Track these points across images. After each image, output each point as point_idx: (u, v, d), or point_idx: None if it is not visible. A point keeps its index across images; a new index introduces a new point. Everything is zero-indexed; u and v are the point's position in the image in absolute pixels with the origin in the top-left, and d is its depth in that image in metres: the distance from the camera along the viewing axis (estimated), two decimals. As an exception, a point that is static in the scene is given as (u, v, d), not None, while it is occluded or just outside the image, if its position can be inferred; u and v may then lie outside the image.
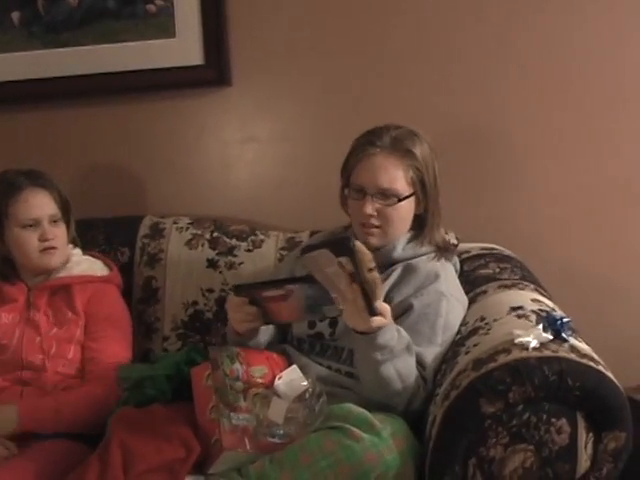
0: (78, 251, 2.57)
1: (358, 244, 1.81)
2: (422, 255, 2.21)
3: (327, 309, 1.94)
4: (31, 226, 2.39)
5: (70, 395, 2.27)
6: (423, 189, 2.17)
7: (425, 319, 2.07)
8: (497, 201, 2.80)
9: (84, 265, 2.53)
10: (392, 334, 1.92)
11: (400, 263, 2.19)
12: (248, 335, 2.14)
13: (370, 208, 2.13)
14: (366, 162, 2.15)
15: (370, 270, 1.81)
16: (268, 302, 2.00)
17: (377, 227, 2.17)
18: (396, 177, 2.13)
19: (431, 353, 2.04)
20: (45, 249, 2.40)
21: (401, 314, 2.09)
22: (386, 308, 1.89)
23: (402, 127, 2.20)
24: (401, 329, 1.99)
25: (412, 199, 2.17)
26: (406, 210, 2.18)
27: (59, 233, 2.44)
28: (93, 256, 2.61)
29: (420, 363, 2.02)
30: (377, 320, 1.85)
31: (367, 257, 1.82)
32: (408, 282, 2.14)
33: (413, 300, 2.09)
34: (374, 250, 2.18)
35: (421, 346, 2.03)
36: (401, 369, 1.94)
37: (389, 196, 2.13)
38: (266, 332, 2.22)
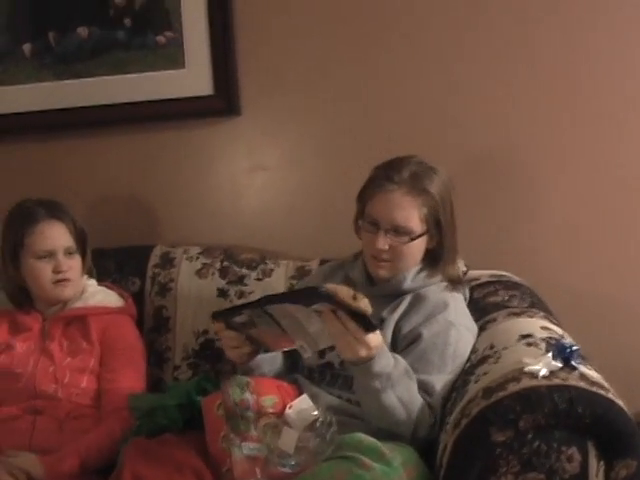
0: (93, 282, 2.59)
1: (328, 287, 1.80)
2: (432, 284, 2.21)
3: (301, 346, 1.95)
4: (46, 257, 2.41)
5: (91, 440, 2.25)
6: (438, 226, 2.17)
7: (434, 348, 2.06)
8: (506, 228, 2.81)
9: (100, 296, 2.55)
10: (388, 360, 1.92)
11: (409, 293, 2.19)
12: (244, 362, 2.13)
13: (382, 243, 2.13)
14: (383, 197, 2.15)
15: (354, 298, 1.81)
16: (244, 328, 2.00)
17: (388, 261, 2.17)
18: (411, 215, 2.13)
19: (440, 380, 2.04)
20: (58, 281, 2.42)
21: (410, 343, 2.09)
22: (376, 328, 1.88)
23: (422, 162, 2.18)
24: (397, 356, 1.99)
25: (425, 236, 2.17)
26: (418, 246, 2.18)
27: (74, 265, 2.46)
28: (108, 287, 2.63)
29: (427, 391, 2.02)
30: (373, 338, 1.84)
31: (345, 292, 1.80)
32: (417, 311, 2.14)
33: (422, 329, 2.09)
34: (384, 281, 2.20)
35: (431, 374, 2.04)
36: (402, 396, 1.94)
37: (402, 233, 2.13)
38: (271, 362, 2.22)
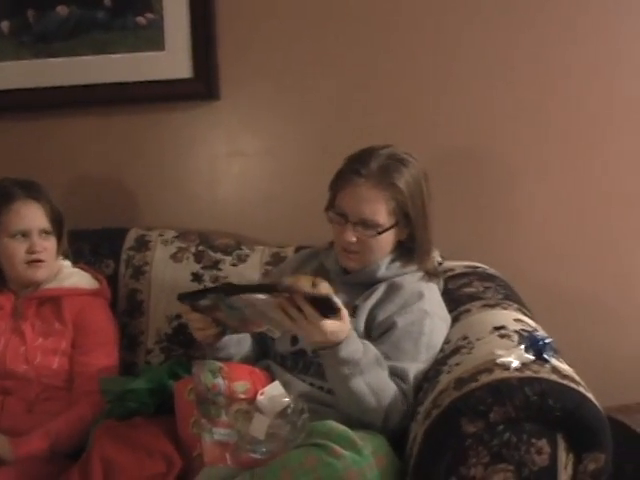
0: (68, 263, 2.57)
1: (288, 280, 1.79)
2: (406, 274, 2.21)
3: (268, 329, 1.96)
4: (20, 237, 2.39)
5: (62, 423, 2.23)
6: (407, 219, 2.16)
7: (409, 337, 2.06)
8: (482, 220, 2.82)
9: (74, 278, 2.53)
10: (356, 347, 1.93)
11: (384, 281, 2.19)
12: (210, 343, 2.14)
13: (350, 235, 2.13)
14: (350, 191, 2.14)
15: (313, 285, 1.80)
16: (209, 311, 2.00)
17: (356, 253, 2.17)
18: (378, 209, 2.11)
19: (414, 369, 2.04)
20: (32, 261, 2.40)
21: (385, 331, 2.09)
22: (344, 312, 1.88)
23: (393, 154, 2.16)
24: (367, 342, 1.99)
25: (394, 229, 2.17)
26: (386, 239, 2.17)
27: (48, 246, 2.44)
28: (82, 269, 2.60)
29: (401, 377, 2.02)
30: (329, 324, 1.84)
31: (303, 281, 1.81)
32: (392, 300, 2.14)
33: (397, 318, 2.09)
34: (357, 270, 2.21)
35: (404, 362, 2.04)
36: (373, 383, 1.94)
37: (370, 227, 2.12)
38: (238, 344, 2.22)
